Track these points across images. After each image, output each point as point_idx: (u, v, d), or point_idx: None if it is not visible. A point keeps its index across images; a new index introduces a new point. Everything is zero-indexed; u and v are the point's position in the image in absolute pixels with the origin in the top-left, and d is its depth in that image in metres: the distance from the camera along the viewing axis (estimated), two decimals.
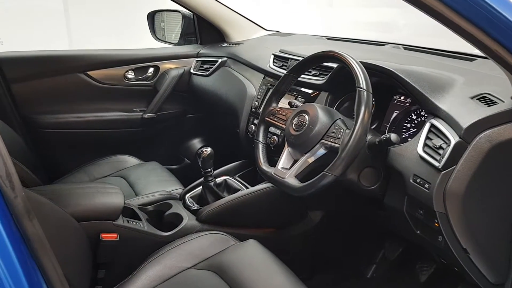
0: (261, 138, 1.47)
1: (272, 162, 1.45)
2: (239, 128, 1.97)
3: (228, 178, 1.84)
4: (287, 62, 1.79)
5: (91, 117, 2.29)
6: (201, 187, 1.77)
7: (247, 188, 1.76)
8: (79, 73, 2.23)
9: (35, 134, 2.18)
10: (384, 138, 1.19)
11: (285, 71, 1.75)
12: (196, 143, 2.62)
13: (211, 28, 2.48)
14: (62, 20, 4.72)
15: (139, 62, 2.36)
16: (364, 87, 1.17)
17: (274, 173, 1.33)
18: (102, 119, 2.31)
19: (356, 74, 1.20)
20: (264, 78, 1.91)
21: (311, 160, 1.27)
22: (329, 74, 1.55)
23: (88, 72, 2.25)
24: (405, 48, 1.87)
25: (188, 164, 2.58)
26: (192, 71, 2.42)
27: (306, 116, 1.30)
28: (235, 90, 2.07)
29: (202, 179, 1.76)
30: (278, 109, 1.45)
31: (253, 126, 1.83)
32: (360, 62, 1.25)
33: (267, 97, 1.82)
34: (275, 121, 1.44)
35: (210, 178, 1.69)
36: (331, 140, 1.22)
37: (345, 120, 1.28)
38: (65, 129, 2.24)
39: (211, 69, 2.30)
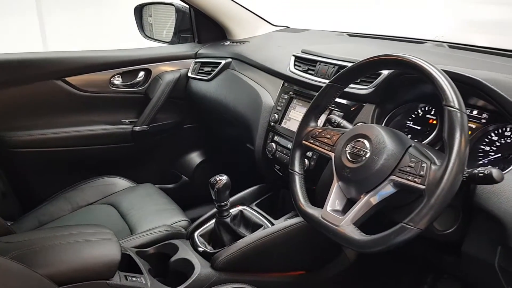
0: (297, 168, 1.14)
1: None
2: (252, 145, 1.64)
3: (244, 209, 1.51)
4: (314, 66, 1.46)
5: (71, 132, 1.92)
6: (211, 221, 1.44)
7: (269, 221, 1.44)
8: (56, 80, 1.86)
9: (3, 154, 1.82)
10: (481, 174, 0.87)
11: (311, 76, 1.45)
12: (195, 157, 2.29)
13: (210, 24, 2.14)
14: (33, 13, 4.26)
15: (127, 65, 2.00)
16: (457, 106, 0.85)
17: (323, 218, 1.01)
18: (85, 134, 1.94)
19: (443, 88, 0.88)
20: (283, 84, 1.58)
21: (374, 201, 0.94)
22: (377, 81, 1.23)
23: (67, 79, 1.88)
24: (450, 47, 1.56)
25: (186, 182, 2.25)
26: (190, 74, 2.08)
27: (366, 143, 0.97)
28: (245, 98, 1.73)
29: (214, 211, 1.43)
30: (320, 130, 1.12)
31: (273, 144, 1.50)
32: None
33: (289, 108, 1.50)
34: (316, 145, 1.11)
35: (226, 213, 1.36)
36: (409, 178, 0.89)
37: (419, 148, 0.95)
38: (40, 147, 1.87)
39: (213, 72, 1.96)
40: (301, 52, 1.57)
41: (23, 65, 1.82)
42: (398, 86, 1.21)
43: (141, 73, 2.04)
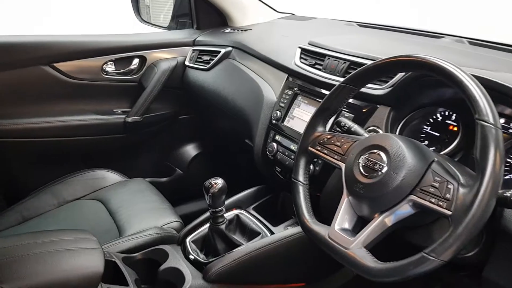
0: (301, 177, 1.02)
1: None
2: (251, 141, 1.53)
3: (241, 213, 1.40)
4: (322, 60, 1.34)
5: (59, 122, 1.79)
6: (205, 226, 1.34)
7: (268, 228, 1.33)
8: (43, 66, 1.73)
9: None
10: None
11: (319, 72, 1.33)
12: (190, 150, 2.18)
13: (210, 9, 2.01)
14: None
15: (121, 51, 1.87)
16: (492, 121, 0.74)
17: (330, 237, 0.89)
18: (74, 124, 1.81)
19: (475, 99, 0.76)
20: (287, 79, 1.45)
21: (390, 222, 0.83)
22: (394, 81, 1.11)
23: (55, 64, 1.75)
24: (470, 43, 1.44)
25: (180, 176, 2.14)
26: (187, 63, 1.96)
27: (383, 155, 0.85)
28: (245, 91, 1.61)
29: (208, 215, 1.32)
30: (329, 136, 1.00)
31: (274, 144, 1.39)
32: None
33: (293, 105, 1.38)
34: (324, 153, 0.99)
35: (221, 220, 1.25)
36: (432, 200, 0.78)
37: (443, 163, 0.84)
38: (25, 137, 1.74)
39: (211, 62, 1.83)
40: (308, 44, 1.44)
41: (8, 49, 1.68)
42: (416, 88, 1.09)
43: (136, 60, 1.92)
